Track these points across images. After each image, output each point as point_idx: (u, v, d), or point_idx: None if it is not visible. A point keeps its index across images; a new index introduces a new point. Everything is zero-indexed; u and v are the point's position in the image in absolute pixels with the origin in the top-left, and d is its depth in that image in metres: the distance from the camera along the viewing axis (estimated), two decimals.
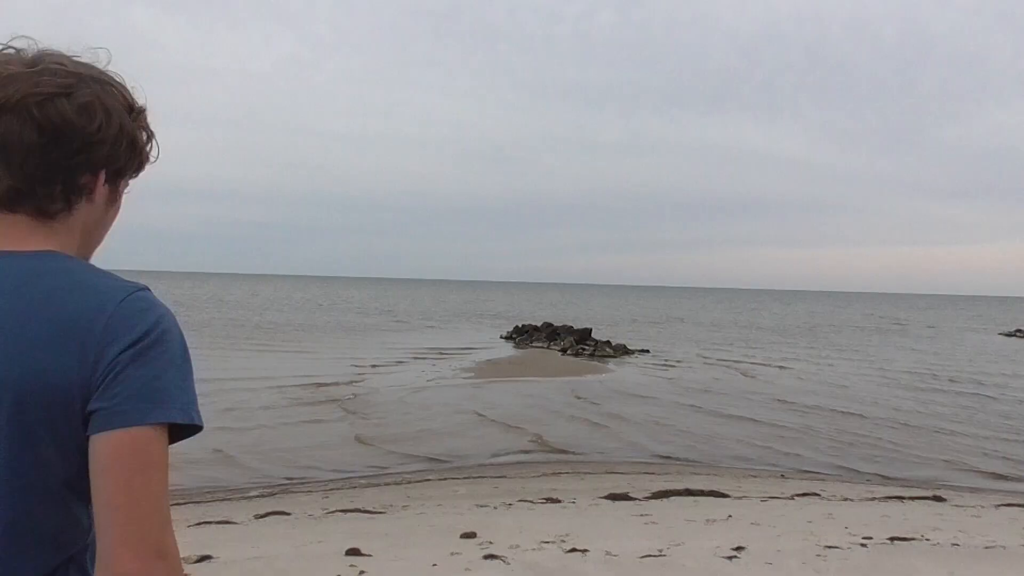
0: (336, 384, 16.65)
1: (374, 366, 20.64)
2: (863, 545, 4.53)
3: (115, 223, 1.00)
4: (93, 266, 0.90)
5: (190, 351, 0.86)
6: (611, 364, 22.85)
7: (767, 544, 4.53)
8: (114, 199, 0.95)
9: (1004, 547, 4.63)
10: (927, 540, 4.78)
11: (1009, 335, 45.20)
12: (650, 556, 4.20)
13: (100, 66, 0.92)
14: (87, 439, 0.79)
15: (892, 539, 4.72)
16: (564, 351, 26.09)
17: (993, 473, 10.14)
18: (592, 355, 25.06)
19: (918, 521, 5.69)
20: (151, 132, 0.95)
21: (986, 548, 4.58)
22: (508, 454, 10.21)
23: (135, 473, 0.77)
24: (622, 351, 26.17)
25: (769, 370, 22.25)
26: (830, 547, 4.44)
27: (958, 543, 4.71)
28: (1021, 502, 7.33)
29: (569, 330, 29.51)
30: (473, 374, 19.09)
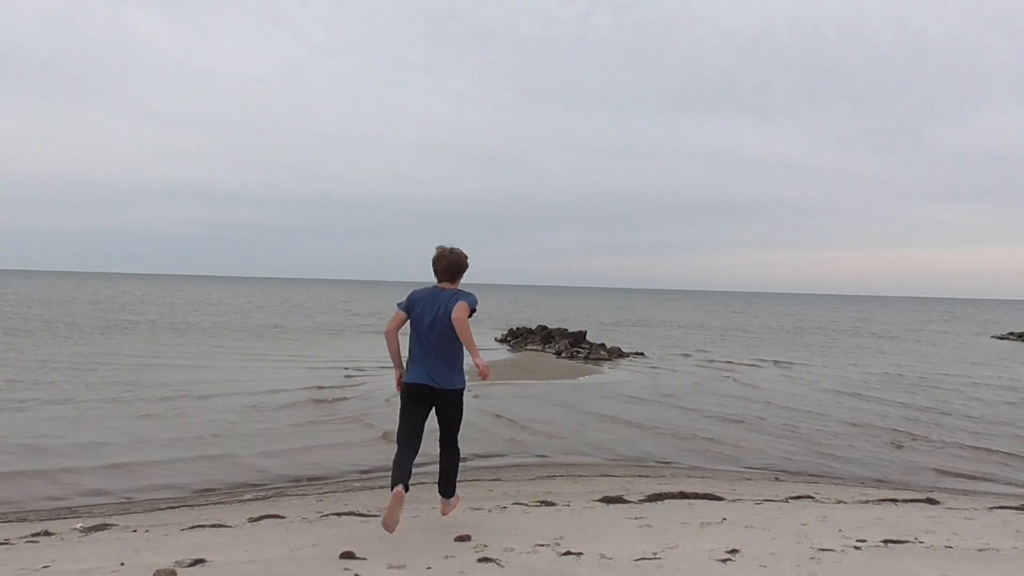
0: (327, 387, 16.63)
1: (368, 370, 20.61)
2: (857, 548, 4.54)
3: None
4: (461, 288, 5.10)
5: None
6: (605, 367, 22.88)
7: (761, 547, 4.54)
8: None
9: (997, 549, 4.65)
10: (921, 543, 4.79)
11: (1001, 338, 45.45)
12: (644, 559, 4.20)
13: (457, 247, 5.10)
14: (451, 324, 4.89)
15: (886, 542, 4.74)
16: (559, 354, 26.09)
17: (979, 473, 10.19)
18: (587, 358, 25.07)
19: (912, 524, 5.70)
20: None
21: (979, 550, 4.60)
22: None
23: (467, 324, 4.89)
24: (616, 354, 26.19)
25: (755, 372, 22.30)
26: (824, 550, 4.45)
27: (951, 545, 4.73)
28: (1014, 504, 7.36)
29: (564, 333, 29.49)
30: (468, 376, 19.06)
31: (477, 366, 4.80)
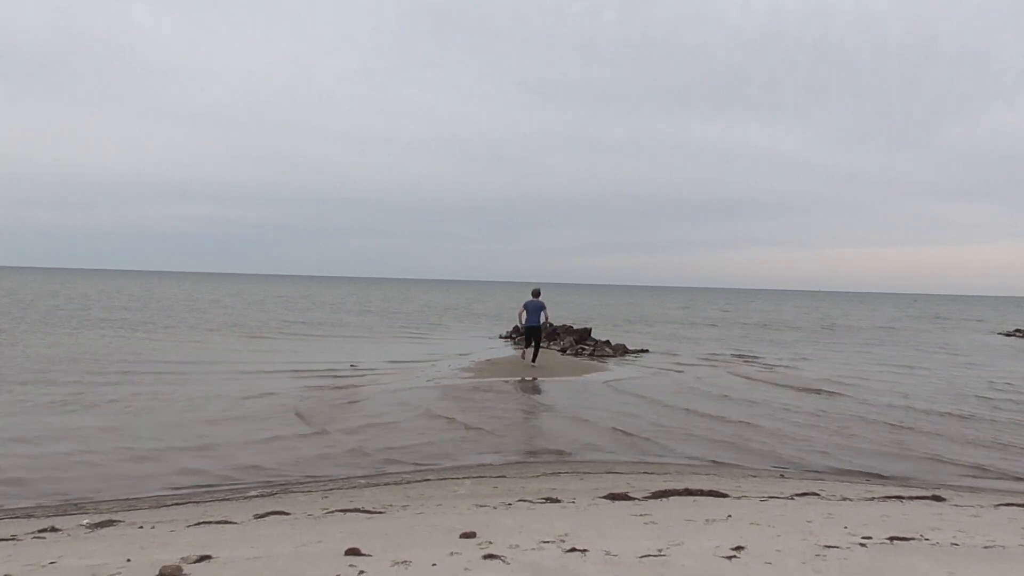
0: (329, 377, 16.66)
1: (371, 367, 20.63)
2: (862, 545, 4.53)
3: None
4: (539, 300, 19.93)
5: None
6: (610, 364, 22.84)
7: (766, 544, 4.53)
8: None
9: (1003, 547, 4.63)
10: (926, 540, 4.78)
11: (1008, 335, 45.26)
12: (649, 556, 4.20)
13: (537, 287, 20.67)
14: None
15: (891, 539, 4.72)
16: (563, 351, 26.06)
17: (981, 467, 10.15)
18: (592, 355, 25.05)
19: (917, 521, 5.68)
20: None
21: (985, 548, 4.58)
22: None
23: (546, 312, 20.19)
24: (622, 351, 26.15)
25: (760, 369, 22.24)
26: (829, 547, 4.44)
27: (957, 543, 4.71)
28: (1020, 501, 7.33)
29: (568, 330, 29.46)
30: (472, 374, 19.09)
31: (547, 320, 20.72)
